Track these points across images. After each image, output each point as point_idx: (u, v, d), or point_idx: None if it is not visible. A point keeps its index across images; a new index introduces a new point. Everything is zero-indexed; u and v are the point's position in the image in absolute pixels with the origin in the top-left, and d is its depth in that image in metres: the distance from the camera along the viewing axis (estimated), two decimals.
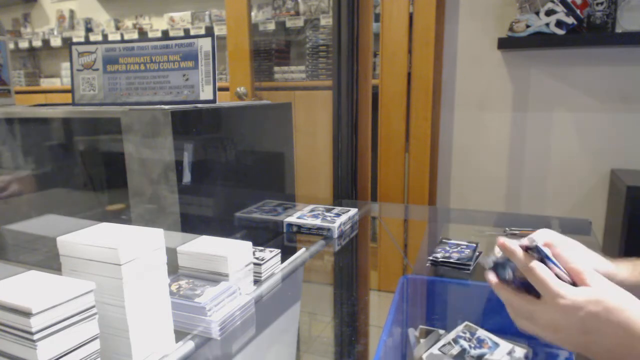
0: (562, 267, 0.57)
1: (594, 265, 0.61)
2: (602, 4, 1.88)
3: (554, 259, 0.57)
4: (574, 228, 1.39)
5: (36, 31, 3.94)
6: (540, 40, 1.95)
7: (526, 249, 0.59)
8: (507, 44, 2.01)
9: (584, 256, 0.62)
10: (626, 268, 0.65)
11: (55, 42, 3.75)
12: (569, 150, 2.10)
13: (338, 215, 1.22)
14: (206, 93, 0.99)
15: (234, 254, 0.75)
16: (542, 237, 0.62)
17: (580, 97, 2.05)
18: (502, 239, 0.61)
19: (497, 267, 0.62)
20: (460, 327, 0.92)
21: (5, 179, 1.11)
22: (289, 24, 2.76)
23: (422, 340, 0.92)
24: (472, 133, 2.27)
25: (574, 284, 0.56)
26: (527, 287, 0.59)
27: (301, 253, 1.03)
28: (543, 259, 0.57)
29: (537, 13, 1.92)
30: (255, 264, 0.84)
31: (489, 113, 2.22)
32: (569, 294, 0.53)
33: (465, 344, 0.87)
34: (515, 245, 0.59)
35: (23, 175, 1.14)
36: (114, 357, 0.57)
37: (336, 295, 1.42)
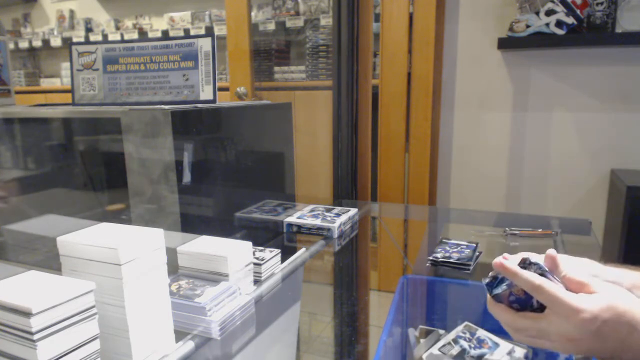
0: (559, 280, 0.57)
1: (591, 271, 0.61)
2: (602, 4, 1.88)
3: (552, 273, 0.57)
4: (574, 228, 1.39)
5: (36, 31, 3.94)
6: (540, 40, 1.95)
7: (522, 266, 0.58)
8: (507, 44, 2.01)
9: (575, 263, 0.62)
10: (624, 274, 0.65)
11: (55, 42, 3.74)
12: (569, 150, 2.10)
13: (338, 215, 1.22)
14: (206, 93, 0.99)
15: (234, 254, 0.75)
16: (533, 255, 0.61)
17: (580, 97, 2.05)
18: (499, 260, 0.59)
19: (491, 284, 0.61)
20: (460, 327, 0.92)
21: None
22: (289, 24, 2.76)
23: (422, 340, 0.92)
24: (472, 133, 2.27)
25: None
26: (523, 303, 0.58)
27: (301, 253, 1.03)
28: (543, 273, 0.56)
29: (537, 13, 1.92)
30: (255, 264, 0.84)
31: (489, 113, 2.22)
32: (589, 307, 0.52)
33: (465, 344, 0.87)
34: (513, 265, 0.58)
35: (8, 179, 1.14)
36: (114, 357, 0.57)
37: (336, 295, 1.42)
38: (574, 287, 0.56)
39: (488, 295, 0.62)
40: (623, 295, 0.54)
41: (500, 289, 0.59)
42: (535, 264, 0.57)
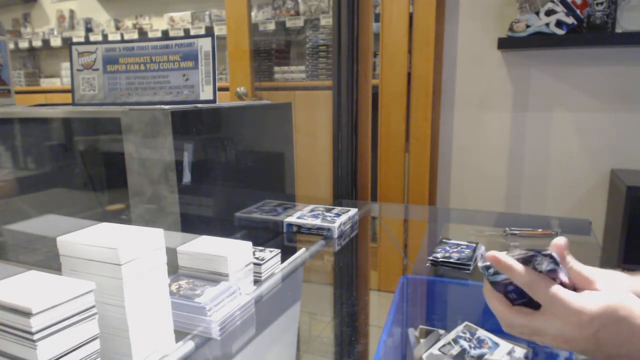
0: (568, 276, 0.54)
1: (604, 275, 0.59)
2: (602, 4, 1.88)
3: (564, 270, 0.54)
4: (574, 228, 1.39)
5: (36, 31, 3.94)
6: (540, 40, 1.95)
7: (532, 255, 0.53)
8: (507, 44, 2.01)
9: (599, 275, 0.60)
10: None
11: (55, 42, 3.74)
12: (569, 150, 2.10)
13: (338, 215, 1.22)
14: (206, 93, 0.99)
15: (234, 254, 0.75)
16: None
17: (580, 97, 2.05)
18: (491, 253, 0.54)
19: (487, 268, 0.57)
20: (460, 327, 0.92)
21: None
22: (289, 24, 2.76)
23: (422, 340, 0.92)
24: (472, 133, 2.27)
25: (575, 288, 0.54)
26: (522, 294, 0.55)
27: (301, 253, 1.03)
28: (555, 269, 0.53)
29: (537, 13, 1.92)
30: (255, 264, 0.84)
31: (489, 113, 2.22)
32: (588, 309, 0.51)
33: (465, 344, 0.87)
34: (508, 259, 0.54)
35: (8, 179, 1.14)
36: (114, 357, 0.57)
37: (336, 295, 1.42)
38: (579, 281, 0.54)
39: (485, 280, 0.58)
40: (626, 298, 0.52)
41: (500, 277, 0.56)
42: (548, 256, 0.52)
